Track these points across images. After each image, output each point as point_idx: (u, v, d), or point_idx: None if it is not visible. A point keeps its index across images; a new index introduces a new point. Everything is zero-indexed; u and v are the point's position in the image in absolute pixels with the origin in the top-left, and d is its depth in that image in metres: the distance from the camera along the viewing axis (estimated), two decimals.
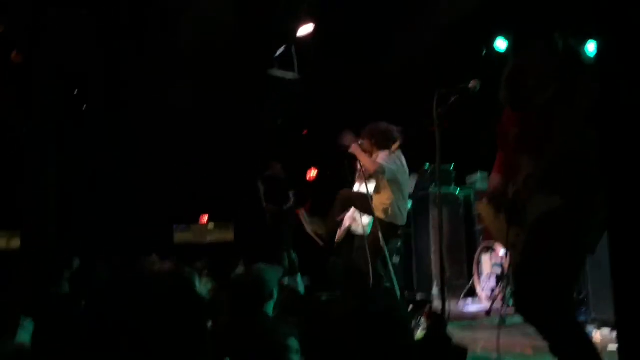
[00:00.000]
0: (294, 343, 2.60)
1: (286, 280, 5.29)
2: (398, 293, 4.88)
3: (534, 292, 2.38)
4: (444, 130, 3.28)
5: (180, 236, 10.78)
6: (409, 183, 7.31)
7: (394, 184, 4.83)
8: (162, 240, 9.55)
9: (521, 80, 2.54)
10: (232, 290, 3.09)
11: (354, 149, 4.80)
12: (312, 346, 1.49)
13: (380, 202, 4.83)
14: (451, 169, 7.11)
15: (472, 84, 3.31)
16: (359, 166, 4.94)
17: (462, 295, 6.39)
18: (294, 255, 7.11)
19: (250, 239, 8.62)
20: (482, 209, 2.88)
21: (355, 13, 6.72)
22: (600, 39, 1.71)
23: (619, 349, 1.59)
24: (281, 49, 7.44)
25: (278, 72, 7.62)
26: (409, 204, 7.64)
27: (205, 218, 11.04)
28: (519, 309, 2.47)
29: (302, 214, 5.43)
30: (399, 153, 4.94)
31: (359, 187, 5.01)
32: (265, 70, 7.58)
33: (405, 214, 5.04)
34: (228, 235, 10.71)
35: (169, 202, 9.69)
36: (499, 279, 5.97)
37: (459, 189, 7.15)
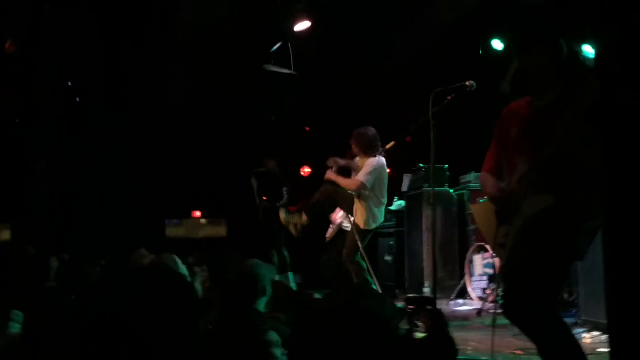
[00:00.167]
0: (273, 336, 2.59)
1: (277, 278, 5.29)
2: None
3: (519, 291, 2.38)
4: (437, 131, 3.28)
5: (173, 231, 10.75)
6: (404, 182, 7.36)
7: (373, 189, 5.17)
8: (154, 235, 9.52)
9: (526, 82, 2.54)
10: (225, 284, 3.09)
11: (329, 175, 5.20)
12: (301, 342, 1.48)
13: (357, 212, 5.20)
14: (445, 168, 7.11)
15: (468, 83, 3.31)
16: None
17: (453, 295, 6.40)
18: (285, 253, 7.10)
19: (243, 235, 8.61)
20: (475, 209, 2.88)
21: (352, 11, 6.71)
22: (600, 41, 1.71)
23: (610, 351, 1.59)
24: (277, 45, 7.41)
25: (273, 68, 7.59)
26: (403, 203, 7.69)
27: (197, 213, 11.01)
28: (505, 311, 2.47)
29: (282, 211, 5.46)
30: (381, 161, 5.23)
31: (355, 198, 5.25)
32: (261, 66, 7.55)
33: (382, 215, 5.33)
34: (221, 231, 10.69)
35: (162, 197, 9.66)
36: (490, 279, 5.98)
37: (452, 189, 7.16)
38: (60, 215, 8.72)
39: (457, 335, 4.12)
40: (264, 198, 7.53)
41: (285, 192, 7.50)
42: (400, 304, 2.82)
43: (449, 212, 7.02)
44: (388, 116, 7.34)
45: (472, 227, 6.71)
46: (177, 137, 9.23)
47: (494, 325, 3.01)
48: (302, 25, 6.80)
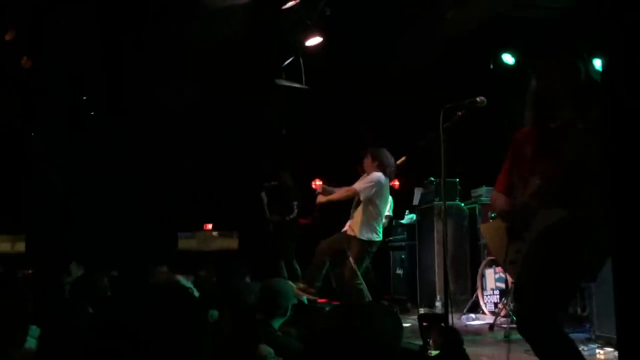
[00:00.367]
0: (267, 350, 2.59)
1: None
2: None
3: (530, 305, 2.38)
4: (449, 145, 3.29)
5: (184, 243, 10.79)
6: (415, 195, 7.39)
7: (370, 203, 5.31)
8: (166, 247, 9.57)
9: (545, 101, 2.56)
10: (235, 298, 3.10)
11: (320, 199, 5.47)
12: (310, 357, 1.50)
13: (354, 222, 5.34)
14: (456, 182, 7.11)
15: (479, 99, 3.33)
16: None
17: (465, 310, 6.37)
18: (296, 265, 7.12)
19: (254, 247, 8.63)
20: (484, 228, 2.89)
21: (362, 26, 6.75)
22: (606, 56, 1.72)
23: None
24: (289, 60, 7.48)
25: (285, 82, 7.65)
26: (414, 217, 7.68)
27: (209, 226, 11.05)
28: (517, 324, 2.47)
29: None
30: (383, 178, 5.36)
31: (352, 210, 5.44)
32: (272, 80, 7.61)
33: (380, 229, 5.45)
34: (232, 243, 10.71)
35: (174, 210, 9.71)
36: (502, 293, 5.95)
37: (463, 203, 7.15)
38: (72, 227, 8.79)
39: (469, 349, 4.10)
40: (273, 212, 7.56)
41: (295, 206, 7.53)
42: (410, 320, 2.81)
43: (460, 226, 7.00)
44: (399, 131, 7.37)
45: (483, 241, 6.67)
46: (190, 149, 9.30)
47: (509, 340, 2.99)
48: (314, 41, 6.86)
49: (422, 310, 6.81)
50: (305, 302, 6.50)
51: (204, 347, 1.51)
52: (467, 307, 6.39)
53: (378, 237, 5.42)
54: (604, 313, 4.24)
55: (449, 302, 3.15)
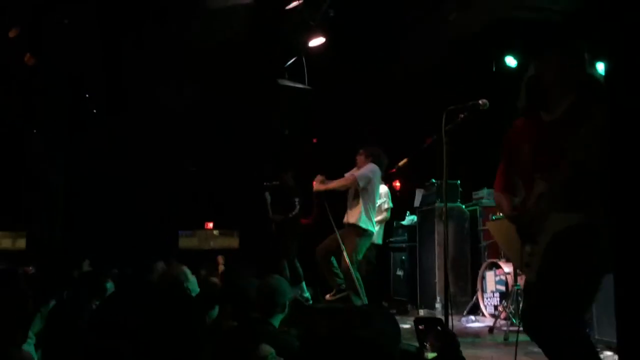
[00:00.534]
0: (268, 349, 2.59)
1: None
2: (365, 300, 5.30)
3: (549, 311, 2.35)
4: (451, 147, 3.29)
5: (185, 241, 10.81)
6: (416, 197, 7.43)
7: (366, 193, 5.42)
8: (167, 246, 9.58)
9: (540, 87, 2.54)
10: (239, 296, 3.11)
11: (317, 187, 5.53)
12: (307, 358, 1.52)
13: (353, 212, 5.46)
14: (458, 184, 7.12)
15: (481, 102, 3.33)
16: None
17: (465, 312, 6.37)
18: (297, 264, 7.13)
19: (255, 246, 8.64)
20: (492, 227, 2.86)
21: (366, 28, 6.76)
22: (609, 58, 1.72)
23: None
24: (292, 60, 7.48)
25: (287, 82, 7.66)
26: (415, 218, 7.69)
27: (210, 225, 11.07)
28: (529, 328, 2.44)
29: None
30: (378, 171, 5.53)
31: (350, 201, 5.57)
32: (275, 79, 7.62)
33: (374, 221, 5.59)
34: (233, 242, 10.74)
35: (175, 209, 9.72)
36: (502, 296, 5.95)
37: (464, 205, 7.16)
38: (73, 226, 8.81)
39: (468, 352, 4.12)
40: (275, 211, 7.57)
41: (297, 203, 7.54)
42: (410, 322, 2.82)
43: (461, 228, 7.01)
44: (401, 132, 7.37)
45: (484, 244, 6.69)
46: (191, 148, 9.31)
47: (510, 343, 2.97)
48: (317, 41, 6.86)
49: (422, 312, 6.81)
50: (308, 297, 6.54)
51: (203, 347, 1.51)
52: (467, 309, 6.40)
53: (373, 228, 5.58)
54: (604, 317, 4.24)
55: (449, 304, 3.15)
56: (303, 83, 7.53)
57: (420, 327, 2.08)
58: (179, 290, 1.64)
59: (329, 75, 7.64)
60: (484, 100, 3.33)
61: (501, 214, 4.85)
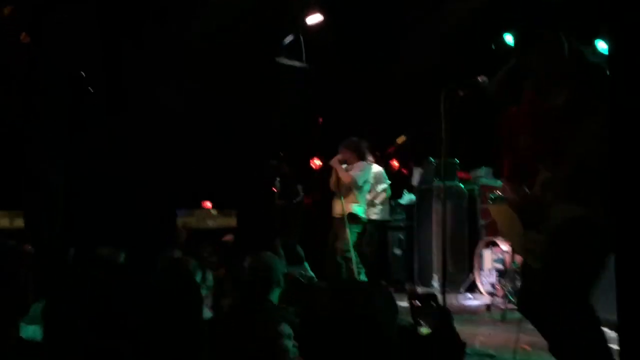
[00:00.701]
0: (286, 328, 2.62)
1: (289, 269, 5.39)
2: (364, 278, 5.67)
3: (556, 298, 2.35)
4: (448, 126, 3.28)
5: (183, 221, 10.81)
6: (414, 176, 7.48)
7: (358, 190, 5.87)
8: (165, 225, 9.58)
9: (520, 81, 2.52)
10: (239, 275, 3.12)
11: (334, 163, 5.89)
12: (307, 335, 1.52)
13: (347, 203, 5.87)
14: (456, 162, 7.11)
15: (480, 79, 3.30)
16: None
17: (462, 290, 6.41)
18: (299, 248, 7.18)
19: (252, 226, 8.65)
20: (494, 210, 2.84)
21: (364, 4, 6.69)
22: (612, 38, 1.69)
23: (620, 350, 1.60)
24: (289, 38, 7.42)
25: (285, 61, 7.60)
26: (413, 197, 7.70)
27: (208, 204, 11.07)
28: (530, 313, 2.45)
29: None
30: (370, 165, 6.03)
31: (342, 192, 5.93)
32: (272, 58, 7.56)
33: (363, 213, 5.98)
34: (231, 222, 10.73)
35: (173, 188, 9.71)
36: (500, 274, 5.98)
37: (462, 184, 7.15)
38: (70, 205, 8.80)
39: (465, 329, 4.16)
40: (280, 197, 7.64)
41: (300, 190, 7.61)
42: (405, 301, 2.83)
43: (459, 207, 7.02)
44: (399, 110, 7.34)
45: (482, 222, 6.70)
46: (187, 127, 9.26)
47: (519, 320, 2.96)
48: (314, 18, 6.80)
49: (419, 290, 6.86)
50: (314, 276, 6.61)
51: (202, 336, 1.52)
52: (464, 287, 6.44)
53: (363, 214, 5.95)
54: (598, 294, 4.26)
55: (446, 282, 3.17)
56: (301, 61, 7.49)
57: (415, 302, 2.09)
58: (188, 286, 1.64)
59: (327, 54, 7.59)
60: (483, 78, 3.31)
61: (498, 192, 4.87)
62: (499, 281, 5.87)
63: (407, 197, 7.96)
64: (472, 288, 6.41)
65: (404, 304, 2.81)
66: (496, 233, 6.19)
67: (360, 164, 5.94)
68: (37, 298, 2.47)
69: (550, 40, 2.49)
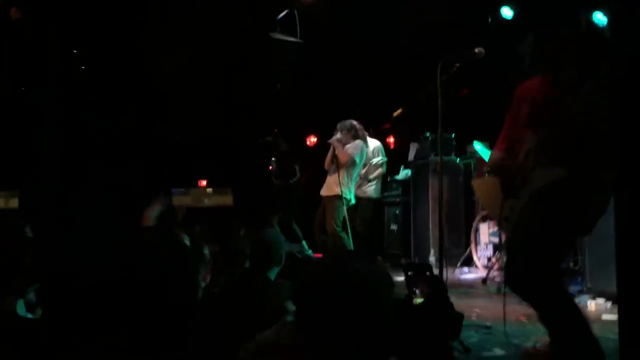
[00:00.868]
0: (290, 306, 2.62)
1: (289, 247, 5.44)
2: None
3: (524, 262, 2.38)
4: (446, 99, 3.24)
5: (178, 200, 10.77)
6: (410, 151, 7.48)
7: (350, 168, 5.89)
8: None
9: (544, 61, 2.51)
10: (235, 251, 3.11)
11: (333, 141, 5.87)
12: (302, 308, 1.51)
13: (334, 180, 5.88)
14: (452, 137, 7.08)
15: (477, 50, 3.26)
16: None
17: (459, 264, 6.44)
18: (296, 227, 7.19)
19: (249, 204, 8.64)
20: (477, 185, 2.86)
21: None
22: (616, 11, 1.67)
23: (619, 319, 1.60)
24: (283, 13, 7.31)
25: (279, 36, 7.50)
26: (409, 172, 7.70)
27: (203, 182, 11.04)
28: (508, 281, 2.48)
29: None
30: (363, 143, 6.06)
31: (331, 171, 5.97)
32: (266, 33, 7.46)
33: (353, 190, 6.02)
34: (227, 200, 10.71)
35: (168, 166, 9.67)
36: (496, 248, 6.00)
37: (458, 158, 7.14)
38: (65, 183, 8.77)
39: (462, 302, 4.18)
40: (278, 177, 7.62)
41: (297, 170, 7.58)
42: (402, 276, 2.84)
43: (456, 181, 7.01)
44: (395, 84, 7.28)
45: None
46: (182, 105, 9.19)
47: (504, 294, 3.01)
48: None
49: None
50: (311, 255, 6.65)
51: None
52: (461, 261, 6.47)
53: (350, 194, 5.94)
54: (596, 266, 4.29)
55: (442, 256, 3.17)
56: (295, 36, 7.39)
57: (409, 273, 2.09)
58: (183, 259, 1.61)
59: (322, 29, 7.49)
60: (480, 49, 3.27)
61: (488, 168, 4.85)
62: (495, 255, 5.89)
63: (403, 173, 7.95)
64: (469, 262, 6.43)
65: (400, 278, 2.82)
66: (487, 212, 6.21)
67: (357, 142, 5.96)
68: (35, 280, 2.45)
69: (572, 31, 2.49)
